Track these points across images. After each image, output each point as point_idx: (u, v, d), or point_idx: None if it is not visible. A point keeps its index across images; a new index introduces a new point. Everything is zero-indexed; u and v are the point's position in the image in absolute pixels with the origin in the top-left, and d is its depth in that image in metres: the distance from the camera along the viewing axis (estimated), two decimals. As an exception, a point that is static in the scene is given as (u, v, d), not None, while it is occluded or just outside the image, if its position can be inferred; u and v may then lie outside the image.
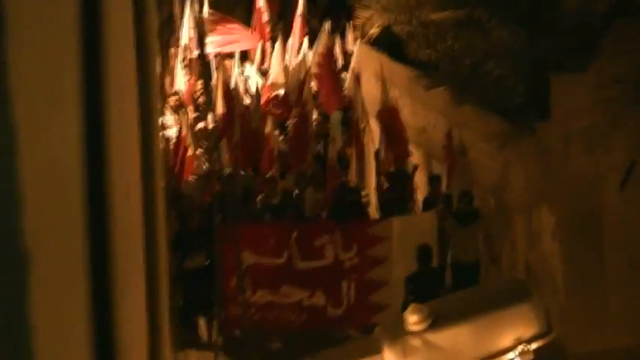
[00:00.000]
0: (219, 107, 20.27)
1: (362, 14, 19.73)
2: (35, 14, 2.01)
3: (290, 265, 14.97)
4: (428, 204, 17.03)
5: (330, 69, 22.18)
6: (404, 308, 12.32)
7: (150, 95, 2.54)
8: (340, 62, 24.24)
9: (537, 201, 15.64)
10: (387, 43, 20.42)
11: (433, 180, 17.47)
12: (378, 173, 18.20)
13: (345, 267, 15.06)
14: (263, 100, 22.19)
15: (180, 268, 14.50)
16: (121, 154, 2.30)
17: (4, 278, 2.00)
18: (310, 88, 22.05)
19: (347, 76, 23.24)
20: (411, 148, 18.94)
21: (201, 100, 22.86)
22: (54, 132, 2.09)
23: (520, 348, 11.44)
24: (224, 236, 14.19)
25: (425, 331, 11.50)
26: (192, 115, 22.10)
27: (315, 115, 21.74)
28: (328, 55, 22.45)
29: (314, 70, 22.29)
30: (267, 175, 18.02)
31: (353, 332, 15.65)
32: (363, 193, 17.92)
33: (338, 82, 22.70)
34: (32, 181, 2.00)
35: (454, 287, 15.34)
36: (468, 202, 16.15)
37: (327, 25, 23.95)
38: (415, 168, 17.97)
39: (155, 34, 2.60)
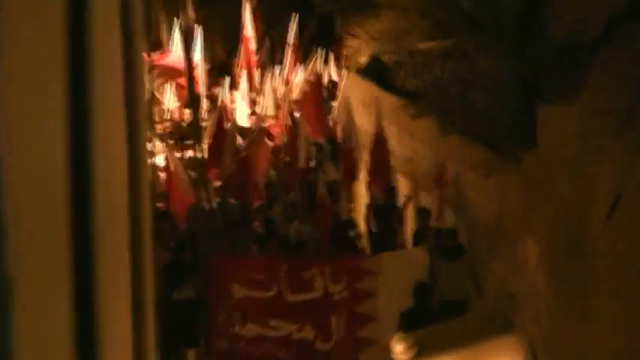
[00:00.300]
0: (209, 137, 20.15)
1: (351, 43, 19.83)
2: (25, 26, 1.96)
3: (280, 298, 14.88)
4: (418, 238, 16.93)
5: (316, 97, 22.13)
6: None
7: (137, 112, 2.49)
8: (326, 91, 24.16)
9: (522, 231, 15.62)
10: (375, 72, 20.47)
11: (422, 213, 17.35)
12: (369, 205, 18.14)
13: (334, 300, 14.97)
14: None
15: (170, 299, 14.36)
16: (108, 174, 2.24)
17: None
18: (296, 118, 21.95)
19: (334, 105, 23.15)
20: (399, 177, 18.91)
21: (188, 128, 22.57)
22: (41, 150, 2.03)
23: (505, 380, 11.42)
24: (213, 268, 14.15)
25: (410, 360, 11.46)
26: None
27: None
28: (315, 83, 22.38)
29: (299, 97, 22.24)
30: (255, 206, 17.90)
31: None
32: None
33: (324, 111, 22.62)
34: (16, 204, 1.94)
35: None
36: (452, 238, 16.11)
37: (316, 54, 23.91)
38: (409, 199, 17.88)
39: (141, 54, 2.55)
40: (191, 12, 25.59)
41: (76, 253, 2.15)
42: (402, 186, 19.11)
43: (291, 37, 25.44)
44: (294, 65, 25.51)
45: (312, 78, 22.73)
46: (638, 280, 13.38)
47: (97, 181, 2.19)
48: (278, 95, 24.86)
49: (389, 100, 19.72)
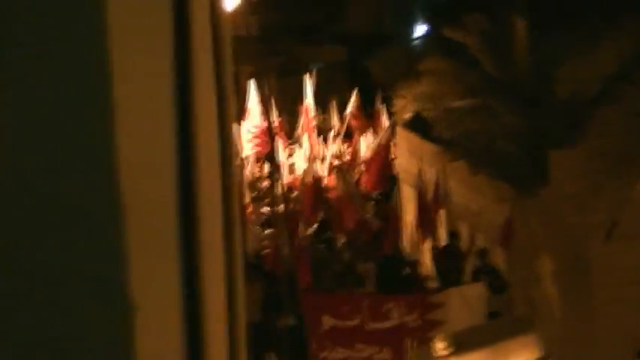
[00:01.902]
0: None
1: (398, 103, 19.76)
2: (142, 60, 1.83)
3: (362, 326, 14.62)
4: (477, 275, 16.34)
5: (385, 156, 21.30)
6: None
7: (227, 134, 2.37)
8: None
9: (538, 251, 15.43)
10: (418, 126, 20.28)
11: (482, 253, 16.70)
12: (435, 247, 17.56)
13: (408, 328, 14.68)
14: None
15: (274, 326, 14.15)
16: (206, 195, 2.11)
17: (112, 326, 1.77)
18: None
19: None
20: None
21: (265, 183, 21.87)
22: (154, 193, 1.90)
23: (526, 370, 11.22)
24: (308, 302, 14.04)
25: (449, 356, 11.33)
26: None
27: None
28: (386, 145, 21.51)
29: (368, 155, 21.30)
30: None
31: None
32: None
33: (388, 167, 21.78)
34: (134, 231, 1.80)
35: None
36: (498, 278, 15.66)
37: (387, 121, 23.00)
38: (484, 252, 17.06)
39: (233, 108, 2.43)
40: (271, 81, 25.16)
41: (184, 273, 2.01)
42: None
43: (351, 106, 24.55)
44: (357, 132, 24.56)
45: (383, 140, 21.76)
46: (632, 289, 13.15)
47: (199, 208, 2.05)
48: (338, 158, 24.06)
49: (429, 148, 19.55)
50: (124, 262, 1.73)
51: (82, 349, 1.71)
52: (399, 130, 22.43)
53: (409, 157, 20.88)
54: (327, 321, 14.26)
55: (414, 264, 16.80)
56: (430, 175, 19.32)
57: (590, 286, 14.32)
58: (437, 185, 17.86)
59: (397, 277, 16.24)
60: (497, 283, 15.62)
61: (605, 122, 15.33)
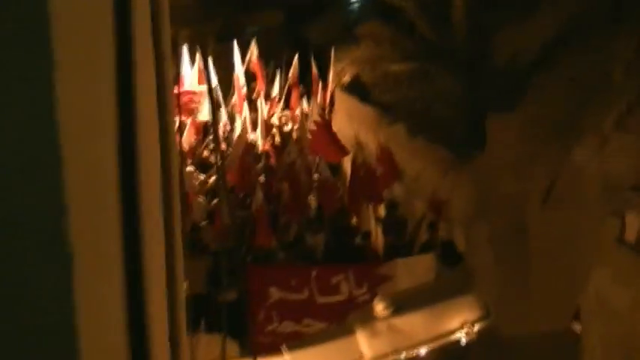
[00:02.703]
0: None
1: (336, 67, 19.72)
2: (82, 58, 1.82)
3: (310, 300, 14.47)
4: (426, 248, 16.03)
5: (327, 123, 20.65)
6: None
7: (166, 116, 2.38)
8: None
9: (475, 216, 15.53)
10: (356, 90, 20.28)
11: (431, 226, 16.48)
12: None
13: (358, 302, 14.56)
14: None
15: (215, 302, 13.82)
16: (147, 171, 2.11)
17: (52, 274, 1.83)
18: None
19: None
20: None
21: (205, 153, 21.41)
22: (94, 152, 1.88)
23: (465, 329, 11.40)
24: (253, 275, 13.82)
25: (389, 317, 11.42)
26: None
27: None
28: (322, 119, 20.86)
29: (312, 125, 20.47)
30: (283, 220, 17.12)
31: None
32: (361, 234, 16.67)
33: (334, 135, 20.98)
34: (75, 189, 1.80)
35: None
36: (452, 250, 15.59)
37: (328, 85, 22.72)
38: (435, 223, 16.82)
39: (170, 71, 2.44)
40: (211, 45, 24.89)
41: (126, 230, 2.02)
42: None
43: (290, 71, 24.28)
44: (296, 97, 24.28)
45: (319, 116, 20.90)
46: (566, 253, 13.33)
47: (139, 173, 2.06)
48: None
49: (368, 111, 19.56)
50: (64, 214, 1.76)
51: (26, 294, 1.76)
52: (338, 93, 22.39)
53: (348, 120, 20.82)
54: (275, 294, 13.84)
55: (366, 235, 16.24)
56: (369, 139, 19.34)
57: (527, 251, 14.42)
58: (384, 153, 17.58)
59: (348, 248, 15.82)
60: (449, 255, 15.64)
61: (544, 88, 15.37)
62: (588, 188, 14.29)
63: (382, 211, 16.94)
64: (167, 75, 2.47)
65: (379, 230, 16.18)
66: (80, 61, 1.83)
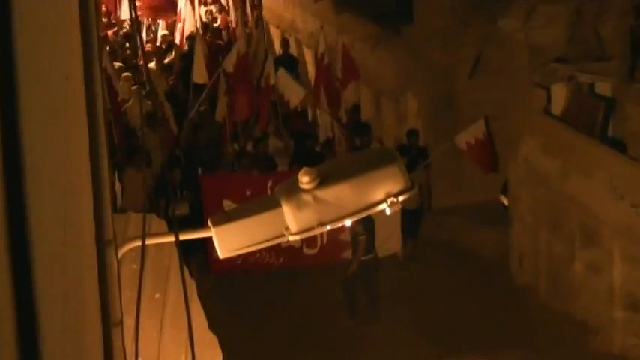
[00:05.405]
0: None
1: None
2: None
3: None
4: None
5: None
6: None
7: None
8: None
9: (404, 88, 15.46)
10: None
11: (411, 133, 14.56)
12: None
13: None
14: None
15: (166, 216, 12.70)
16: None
17: None
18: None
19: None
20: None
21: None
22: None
23: (390, 200, 11.30)
24: (206, 186, 13.25)
25: (314, 189, 11.27)
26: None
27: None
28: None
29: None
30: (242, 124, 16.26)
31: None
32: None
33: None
34: None
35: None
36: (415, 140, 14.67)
37: None
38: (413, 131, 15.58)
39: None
40: None
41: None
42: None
43: None
44: None
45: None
46: (495, 122, 13.29)
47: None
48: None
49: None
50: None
51: None
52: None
53: (283, 3, 20.60)
54: (229, 206, 13.39)
55: (327, 144, 15.36)
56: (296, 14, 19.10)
57: (455, 120, 14.39)
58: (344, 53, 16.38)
59: (310, 155, 14.61)
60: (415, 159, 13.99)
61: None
62: (515, 58, 14.24)
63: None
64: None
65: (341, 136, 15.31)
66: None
